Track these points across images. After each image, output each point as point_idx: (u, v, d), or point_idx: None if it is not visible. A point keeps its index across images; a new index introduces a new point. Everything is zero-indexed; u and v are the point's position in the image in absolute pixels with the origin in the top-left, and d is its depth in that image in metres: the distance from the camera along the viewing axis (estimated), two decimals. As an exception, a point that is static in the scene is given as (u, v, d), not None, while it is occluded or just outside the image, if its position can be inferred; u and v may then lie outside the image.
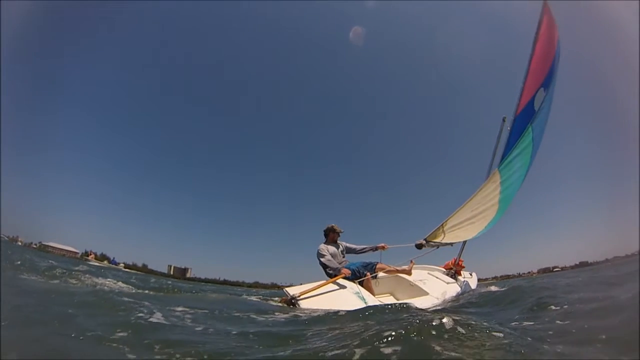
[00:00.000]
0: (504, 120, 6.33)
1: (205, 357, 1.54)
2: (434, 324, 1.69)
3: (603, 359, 1.25)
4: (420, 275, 5.47)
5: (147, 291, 4.74)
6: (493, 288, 6.12)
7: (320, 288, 4.13)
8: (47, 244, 49.88)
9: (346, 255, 5.39)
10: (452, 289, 5.40)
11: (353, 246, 5.49)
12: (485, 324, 1.75)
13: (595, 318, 2.12)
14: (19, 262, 6.20)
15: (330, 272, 4.78)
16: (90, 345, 1.60)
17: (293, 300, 3.87)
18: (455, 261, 6.45)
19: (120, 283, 5.95)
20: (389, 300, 5.07)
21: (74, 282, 4.91)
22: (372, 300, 4.16)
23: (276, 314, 3.29)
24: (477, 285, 6.80)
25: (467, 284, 6.14)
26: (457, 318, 1.76)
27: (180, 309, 2.80)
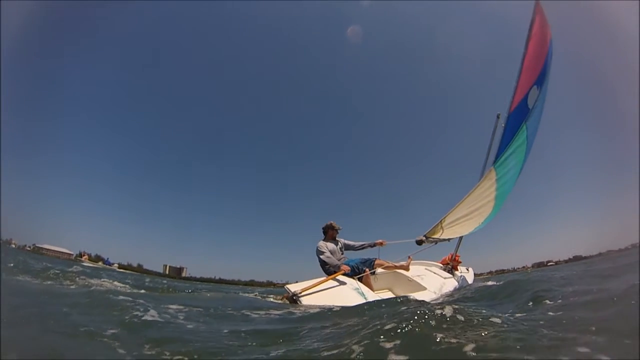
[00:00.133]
0: (498, 117, 6.43)
1: (195, 356, 1.56)
2: (433, 315, 1.74)
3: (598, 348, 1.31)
4: (417, 271, 5.55)
5: (141, 290, 4.75)
6: (489, 282, 6.21)
7: (321, 285, 4.18)
8: (41, 246, 49.45)
9: (345, 252, 5.45)
10: (449, 283, 5.50)
11: (351, 243, 5.55)
12: (483, 314, 1.81)
13: (590, 309, 2.20)
14: (11, 265, 6.20)
15: (330, 269, 4.84)
16: (83, 344, 1.63)
17: (294, 297, 3.92)
18: (452, 256, 6.55)
19: (114, 283, 5.94)
20: (387, 295, 5.14)
21: (68, 283, 4.91)
22: (372, 296, 4.23)
23: (277, 311, 3.32)
24: (474, 280, 6.91)
25: (464, 279, 6.25)
26: (456, 308, 1.82)
27: (174, 307, 2.81)
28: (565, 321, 1.86)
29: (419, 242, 5.19)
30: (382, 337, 1.57)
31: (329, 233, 5.41)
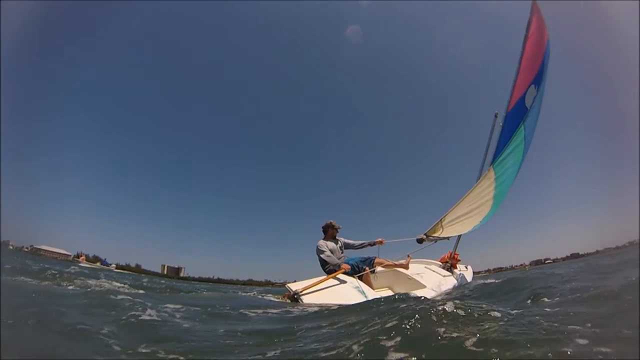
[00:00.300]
0: (496, 116, 6.49)
1: (190, 355, 1.58)
2: (434, 312, 1.76)
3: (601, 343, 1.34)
4: (417, 269, 5.59)
5: (139, 290, 4.74)
6: (489, 280, 6.27)
7: (322, 283, 4.21)
8: (38, 247, 49.23)
9: (344, 250, 5.48)
10: (448, 281, 5.54)
11: (351, 242, 5.58)
12: (483, 310, 1.83)
13: (589, 305, 2.23)
14: (8, 266, 6.18)
15: (330, 267, 4.87)
16: (80, 343, 1.64)
17: (296, 296, 3.95)
18: (451, 254, 6.60)
19: (112, 283, 5.93)
20: (387, 293, 5.17)
21: (66, 283, 4.90)
22: (372, 294, 4.26)
23: (276, 310, 3.33)
24: (473, 278, 6.96)
25: (463, 277, 6.29)
26: (456, 305, 1.84)
27: (172, 307, 2.81)
28: (564, 316, 1.89)
29: (420, 241, 5.25)
30: (384, 334, 1.58)
31: (329, 232, 5.43)
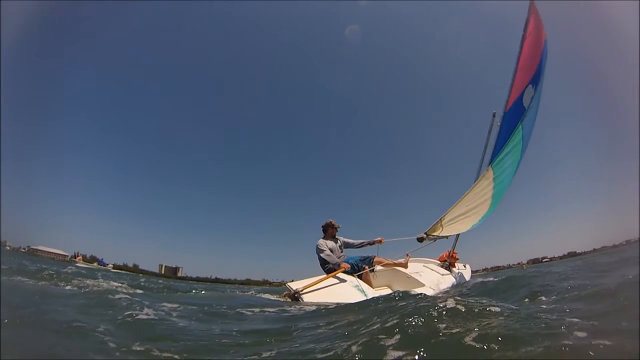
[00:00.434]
0: (494, 116, 6.52)
1: (185, 354, 1.59)
2: (433, 309, 1.78)
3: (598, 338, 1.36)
4: (416, 268, 5.62)
5: (136, 290, 4.74)
6: (487, 278, 6.31)
7: (322, 282, 4.24)
8: (35, 247, 49.05)
9: (344, 249, 5.51)
10: (447, 280, 5.59)
11: (351, 241, 5.61)
12: (483, 307, 1.85)
13: (587, 302, 2.27)
14: (5, 267, 6.16)
15: (330, 266, 4.89)
16: (75, 342, 1.65)
17: (296, 295, 3.97)
18: (449, 253, 6.64)
19: (110, 283, 5.92)
20: (386, 292, 5.21)
21: (63, 283, 4.90)
22: (372, 293, 4.30)
23: (276, 309, 3.35)
24: (471, 277, 7.01)
25: (461, 275, 6.33)
26: (456, 302, 1.86)
27: (168, 306, 2.81)
28: (563, 312, 1.92)
29: (420, 240, 5.29)
30: (385, 332, 1.59)
31: (329, 231, 5.46)
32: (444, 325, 1.57)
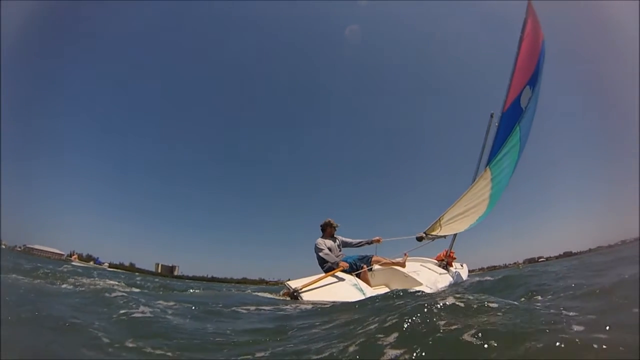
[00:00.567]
0: (491, 117, 6.57)
1: (178, 352, 1.60)
2: (431, 308, 1.79)
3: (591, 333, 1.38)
4: (413, 267, 5.66)
5: (132, 289, 4.75)
6: (484, 278, 6.35)
7: (320, 281, 4.25)
8: (31, 246, 48.81)
9: (342, 248, 5.53)
10: (444, 279, 5.63)
11: (349, 240, 5.63)
12: (481, 305, 1.87)
13: (584, 300, 2.30)
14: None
15: (329, 265, 4.91)
16: (71, 340, 1.65)
17: (295, 294, 3.98)
18: (446, 253, 6.68)
19: (105, 281, 5.92)
20: (384, 291, 5.24)
21: (59, 282, 4.90)
22: (370, 292, 4.32)
23: (274, 307, 3.36)
24: (468, 276, 7.05)
25: (458, 275, 6.38)
26: (453, 300, 1.88)
27: (164, 304, 2.81)
28: (560, 309, 1.94)
29: (420, 239, 5.33)
30: (384, 330, 1.60)
31: (327, 230, 5.48)
32: (444, 322, 1.58)
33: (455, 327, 1.51)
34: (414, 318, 1.67)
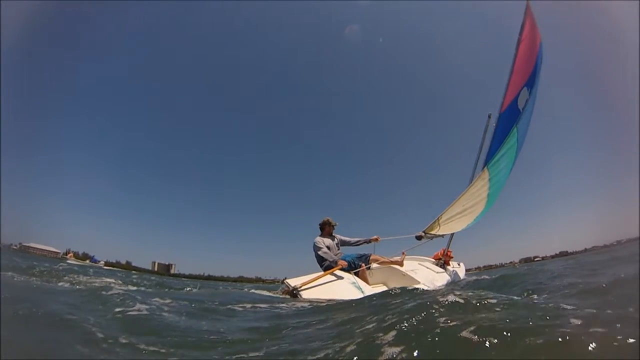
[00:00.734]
0: (489, 117, 6.61)
1: (172, 349, 1.61)
2: (429, 305, 1.80)
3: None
4: (411, 266, 5.68)
5: (128, 286, 4.75)
6: (481, 276, 6.40)
7: (320, 279, 4.28)
8: (27, 244, 48.57)
9: (341, 247, 5.55)
10: (441, 277, 5.66)
11: (347, 239, 5.65)
12: (479, 300, 1.89)
13: (581, 298, 2.33)
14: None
15: (327, 264, 4.93)
16: (65, 337, 1.65)
17: (295, 292, 4.00)
18: (444, 252, 6.72)
19: (102, 279, 5.92)
20: (382, 289, 5.27)
21: (55, 279, 4.90)
22: (369, 290, 4.35)
23: (272, 305, 3.36)
24: (465, 275, 7.09)
25: (455, 273, 6.42)
26: (453, 296, 1.90)
27: (160, 302, 2.80)
28: (558, 305, 1.96)
29: (419, 238, 5.40)
30: (384, 327, 1.61)
31: (326, 229, 5.50)
32: (442, 319, 1.58)
33: (454, 323, 1.52)
34: (412, 315, 1.67)
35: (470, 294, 2.03)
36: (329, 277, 4.43)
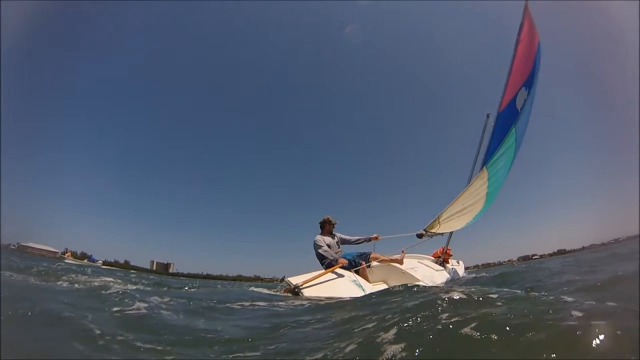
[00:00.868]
0: (487, 117, 6.63)
1: (169, 347, 1.61)
2: (429, 303, 1.81)
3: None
4: (411, 264, 5.70)
5: (126, 285, 4.74)
6: (479, 274, 6.42)
7: (321, 277, 4.29)
8: (25, 244, 48.47)
9: (341, 245, 5.56)
10: (441, 275, 5.69)
11: (347, 237, 5.68)
12: (479, 298, 1.89)
13: (580, 295, 2.33)
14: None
15: (328, 262, 4.94)
16: (62, 336, 1.66)
17: (296, 290, 4.01)
18: (443, 250, 6.75)
19: (100, 278, 5.89)
20: (383, 287, 5.28)
21: (53, 279, 4.88)
22: (369, 288, 4.36)
23: (271, 304, 3.35)
24: (464, 272, 7.13)
25: (455, 271, 6.45)
26: (453, 294, 1.90)
27: (157, 300, 2.78)
28: (558, 302, 1.97)
29: (420, 236, 5.44)
30: (384, 325, 1.62)
31: (326, 227, 5.52)
32: (444, 315, 1.58)
33: (455, 320, 1.51)
34: (413, 313, 1.68)
35: (470, 290, 2.03)
36: (330, 275, 4.45)
